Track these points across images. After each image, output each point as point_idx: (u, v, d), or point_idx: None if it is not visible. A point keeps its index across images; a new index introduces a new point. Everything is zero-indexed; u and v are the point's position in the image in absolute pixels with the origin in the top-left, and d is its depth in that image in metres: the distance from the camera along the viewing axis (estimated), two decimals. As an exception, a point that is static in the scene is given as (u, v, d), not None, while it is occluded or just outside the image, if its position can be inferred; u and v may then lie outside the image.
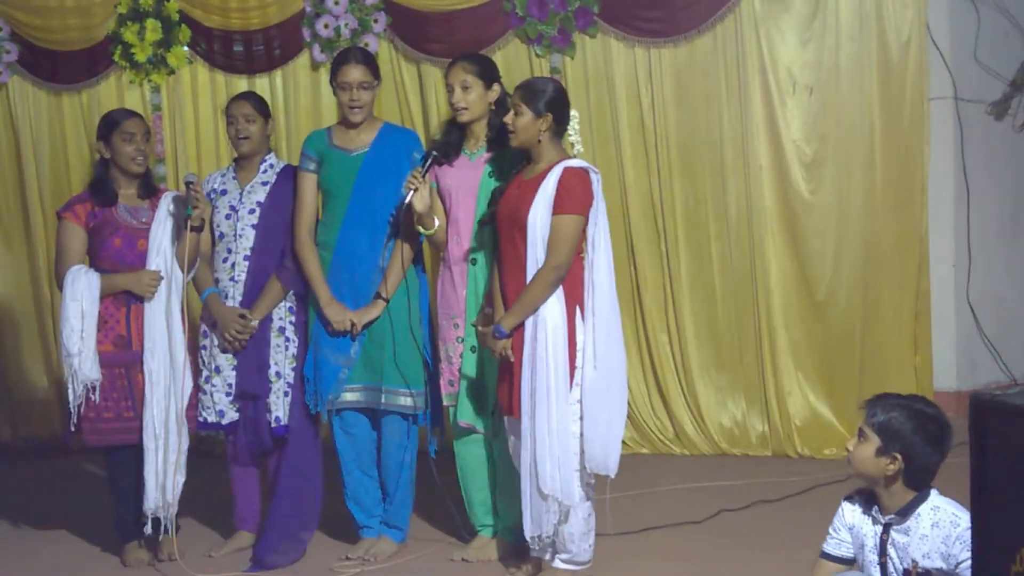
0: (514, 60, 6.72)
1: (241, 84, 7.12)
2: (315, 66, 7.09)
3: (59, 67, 7.38)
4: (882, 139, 6.57)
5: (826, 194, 6.66)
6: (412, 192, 4.89)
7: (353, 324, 5.12)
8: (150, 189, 5.34)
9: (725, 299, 6.81)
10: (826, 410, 6.67)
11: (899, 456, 3.52)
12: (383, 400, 5.17)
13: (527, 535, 4.75)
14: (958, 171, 6.95)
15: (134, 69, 7.21)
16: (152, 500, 5.11)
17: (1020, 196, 7.25)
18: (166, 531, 5.16)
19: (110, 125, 5.26)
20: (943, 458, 3.56)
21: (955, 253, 6.98)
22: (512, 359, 4.67)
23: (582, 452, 4.68)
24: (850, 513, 3.72)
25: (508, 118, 4.76)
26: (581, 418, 4.66)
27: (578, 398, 4.65)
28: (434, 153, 5.01)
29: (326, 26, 6.96)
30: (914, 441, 3.51)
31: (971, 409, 2.25)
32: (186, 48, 7.19)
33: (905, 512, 3.55)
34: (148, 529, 5.16)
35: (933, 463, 3.54)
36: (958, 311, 7.03)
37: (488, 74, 5.08)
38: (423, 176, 4.92)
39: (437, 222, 5.03)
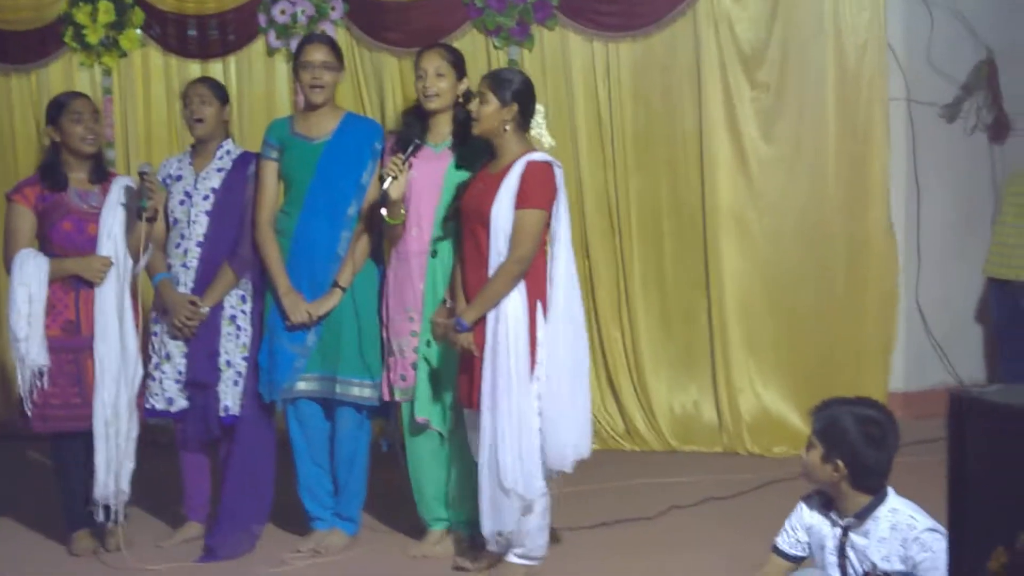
0: (471, 52, 6.65)
1: (194, 69, 7.03)
2: (270, 52, 7.02)
3: (8, 48, 7.24)
4: (838, 139, 6.60)
5: (782, 192, 6.67)
6: (391, 179, 4.83)
7: (309, 314, 5.07)
8: (101, 174, 5.27)
9: (678, 295, 6.82)
10: (777, 408, 6.68)
11: (840, 463, 3.52)
12: (337, 390, 5.13)
13: (485, 531, 4.72)
14: (909, 173, 6.99)
15: (85, 51, 7.10)
16: (103, 487, 5.04)
17: (970, 199, 7.29)
18: (116, 519, 5.09)
19: (57, 107, 5.20)
20: (890, 458, 3.55)
21: (905, 255, 7.02)
22: (476, 353, 4.64)
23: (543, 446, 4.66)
24: (808, 514, 3.72)
25: (472, 106, 4.73)
26: (540, 413, 4.64)
27: (539, 392, 4.63)
28: (416, 141, 4.94)
29: (282, 12, 6.89)
30: (856, 445, 3.51)
31: (950, 406, 2.25)
32: (139, 31, 7.09)
33: (863, 515, 3.56)
34: (99, 517, 5.09)
35: (879, 465, 3.54)
36: (907, 313, 7.07)
37: (460, 66, 5.05)
38: (403, 164, 4.87)
39: (403, 212, 4.98)
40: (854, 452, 3.51)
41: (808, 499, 3.74)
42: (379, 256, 5.26)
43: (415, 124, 5.08)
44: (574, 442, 4.69)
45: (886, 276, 6.69)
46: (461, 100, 5.04)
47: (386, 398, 5.12)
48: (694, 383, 6.83)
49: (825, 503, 3.68)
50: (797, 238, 6.68)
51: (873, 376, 6.61)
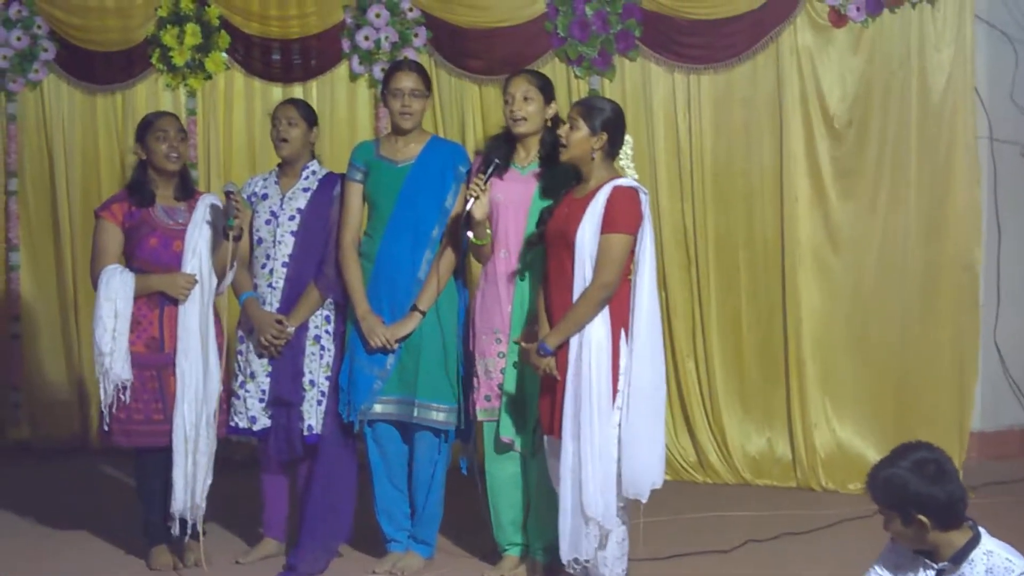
0: (553, 81, 6.63)
1: (277, 92, 7.13)
2: (353, 78, 7.10)
3: (96, 67, 7.40)
4: (919, 175, 6.55)
5: (862, 228, 6.63)
6: (473, 200, 4.86)
7: (386, 338, 5.09)
8: (188, 191, 5.33)
9: (753, 329, 6.80)
10: (852, 444, 6.62)
11: (920, 516, 3.47)
12: (415, 414, 5.13)
13: (564, 558, 4.70)
14: (990, 211, 6.92)
15: (171, 72, 7.22)
16: (180, 502, 5.08)
17: (1051, 239, 7.23)
18: (193, 534, 5.13)
19: (144, 126, 5.28)
20: (959, 487, 3.48)
21: (984, 293, 6.95)
22: (557, 377, 4.64)
23: (619, 475, 4.64)
24: (897, 556, 3.65)
25: (562, 131, 4.74)
26: (619, 441, 4.63)
27: (619, 421, 4.62)
28: (496, 161, 4.97)
29: (366, 38, 6.97)
30: (921, 492, 3.44)
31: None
32: (224, 54, 7.19)
33: (958, 559, 3.48)
34: (176, 531, 5.13)
35: (952, 497, 3.48)
36: (985, 351, 6.98)
37: (548, 91, 5.07)
38: (484, 184, 4.90)
39: (488, 231, 5.00)
40: (924, 498, 3.45)
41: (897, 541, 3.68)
42: (462, 276, 5.28)
43: (501, 146, 5.09)
44: (652, 470, 4.67)
45: (966, 314, 6.61)
46: (549, 124, 5.05)
47: (469, 418, 5.14)
48: (768, 417, 6.78)
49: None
50: (876, 274, 6.63)
51: (951, 414, 6.53)
